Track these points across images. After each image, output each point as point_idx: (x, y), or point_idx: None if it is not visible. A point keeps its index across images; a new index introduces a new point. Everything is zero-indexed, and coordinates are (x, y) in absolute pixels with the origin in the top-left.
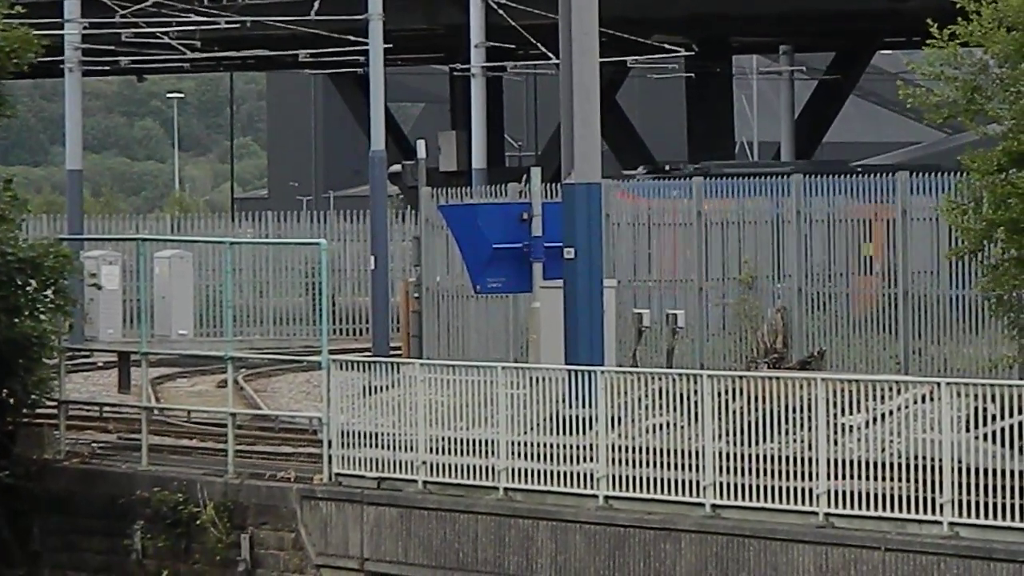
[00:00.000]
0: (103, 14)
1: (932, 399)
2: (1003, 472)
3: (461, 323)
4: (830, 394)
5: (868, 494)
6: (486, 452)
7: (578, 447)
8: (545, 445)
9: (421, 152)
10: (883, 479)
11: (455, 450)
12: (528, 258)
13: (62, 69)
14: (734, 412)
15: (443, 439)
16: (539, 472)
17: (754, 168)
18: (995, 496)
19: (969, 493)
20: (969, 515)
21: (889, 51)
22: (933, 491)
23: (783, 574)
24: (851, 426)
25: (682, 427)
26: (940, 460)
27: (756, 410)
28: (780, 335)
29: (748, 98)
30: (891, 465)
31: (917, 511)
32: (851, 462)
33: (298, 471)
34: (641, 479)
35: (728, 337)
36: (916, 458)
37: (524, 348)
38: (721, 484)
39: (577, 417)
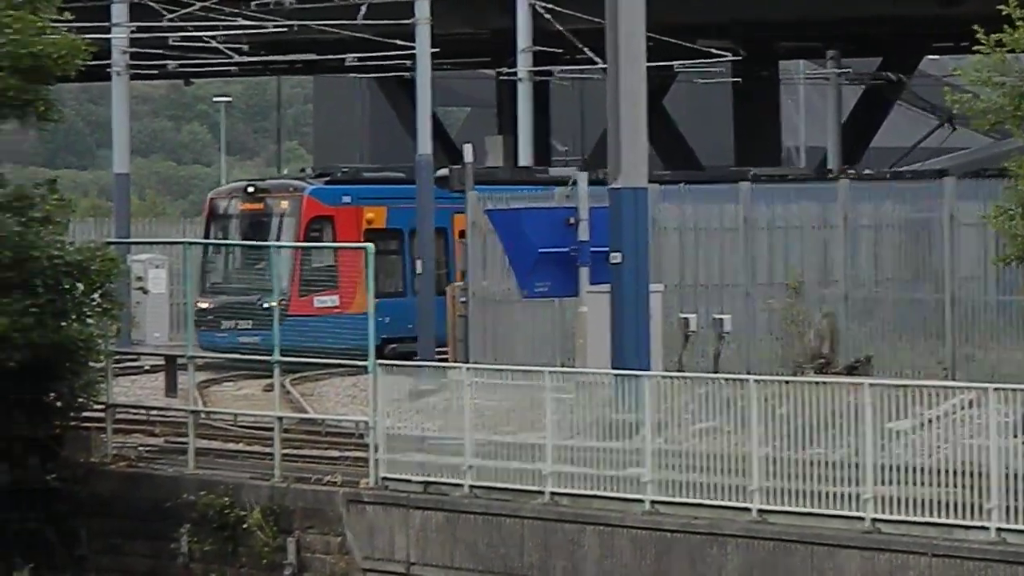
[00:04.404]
0: (150, 18)
1: (979, 405)
2: None
3: (508, 327)
4: (877, 399)
5: (915, 499)
6: (532, 456)
7: (624, 452)
8: (591, 449)
9: (468, 156)
10: (930, 484)
11: (501, 454)
12: (575, 262)
13: (109, 73)
14: (781, 417)
15: (489, 443)
16: (585, 476)
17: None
18: None
19: (1016, 498)
20: (1016, 520)
21: (936, 56)
22: (980, 496)
23: None
24: (898, 431)
25: (729, 432)
26: (987, 466)
27: (803, 415)
28: (827, 340)
29: (795, 103)
30: (938, 470)
31: (964, 516)
32: (898, 467)
33: (344, 475)
34: (687, 484)
35: (775, 342)
36: (963, 463)
37: (571, 352)
38: (768, 489)
39: (624, 421)
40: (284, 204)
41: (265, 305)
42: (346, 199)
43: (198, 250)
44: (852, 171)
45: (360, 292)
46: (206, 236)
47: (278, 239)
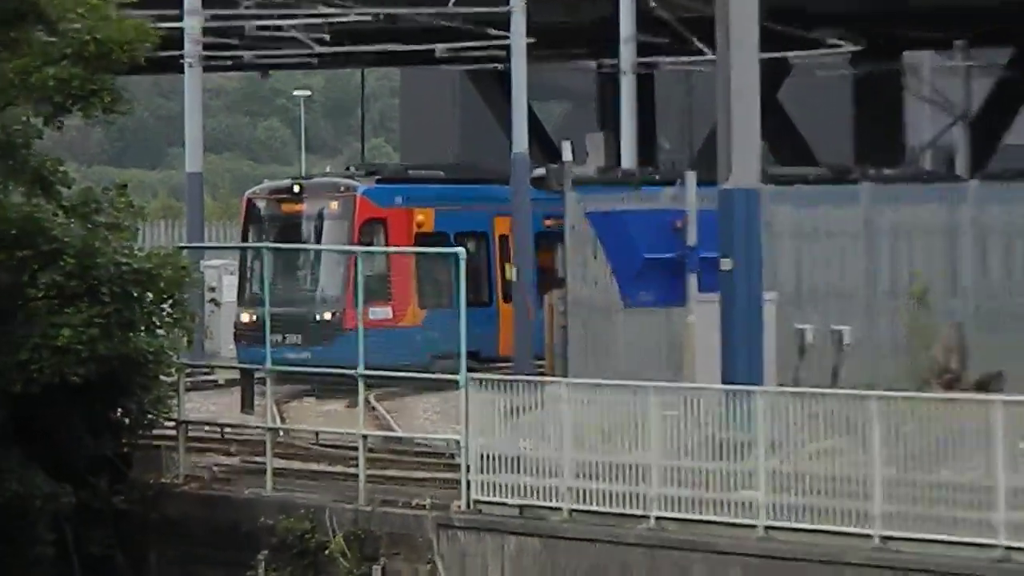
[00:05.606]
0: (226, 5)
1: None
2: None
3: (610, 339)
4: (1010, 417)
5: None
6: (637, 478)
7: (736, 473)
8: (700, 471)
9: (567, 154)
10: None
11: (603, 476)
12: (682, 269)
13: (181, 64)
14: (905, 436)
15: (590, 464)
16: (694, 500)
17: None
18: None
19: None
20: None
21: None
22: None
23: None
24: None
25: (849, 452)
26: None
27: (929, 434)
28: (955, 354)
29: (920, 98)
30: None
31: None
32: None
33: (434, 498)
34: (805, 508)
35: (899, 356)
36: None
37: (678, 366)
38: (891, 514)
39: (735, 440)
40: (334, 205)
41: (318, 317)
42: (398, 200)
43: (266, 255)
44: (872, 172)
45: (412, 303)
46: (243, 240)
47: (323, 244)
